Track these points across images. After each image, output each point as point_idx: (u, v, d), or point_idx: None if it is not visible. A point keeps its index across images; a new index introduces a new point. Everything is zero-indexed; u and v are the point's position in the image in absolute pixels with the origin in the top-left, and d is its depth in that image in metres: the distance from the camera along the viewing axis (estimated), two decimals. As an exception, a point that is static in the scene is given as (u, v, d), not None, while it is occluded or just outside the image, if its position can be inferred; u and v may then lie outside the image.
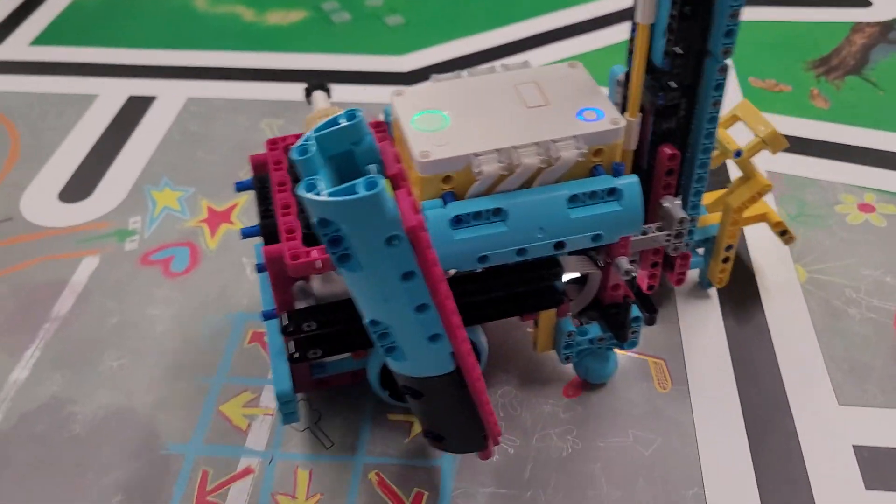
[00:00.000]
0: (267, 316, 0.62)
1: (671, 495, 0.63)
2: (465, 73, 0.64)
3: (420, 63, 1.14)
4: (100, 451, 0.67)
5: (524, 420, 0.68)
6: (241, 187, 0.66)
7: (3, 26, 1.26)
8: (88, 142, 1.01)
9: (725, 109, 0.74)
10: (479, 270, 0.61)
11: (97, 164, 0.98)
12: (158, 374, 0.73)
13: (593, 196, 0.57)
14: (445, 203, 0.56)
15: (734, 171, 0.92)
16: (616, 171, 0.58)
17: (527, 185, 0.57)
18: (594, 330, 0.67)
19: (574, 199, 0.57)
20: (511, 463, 0.65)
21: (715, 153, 0.71)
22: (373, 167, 0.47)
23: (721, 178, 0.91)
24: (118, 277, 0.82)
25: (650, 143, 0.65)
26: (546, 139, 0.56)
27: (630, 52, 0.62)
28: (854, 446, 0.66)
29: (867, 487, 0.63)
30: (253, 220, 0.87)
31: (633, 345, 0.68)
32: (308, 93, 0.70)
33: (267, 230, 0.61)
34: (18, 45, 1.21)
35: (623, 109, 0.63)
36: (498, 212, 0.56)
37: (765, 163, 0.93)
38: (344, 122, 0.46)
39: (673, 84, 0.62)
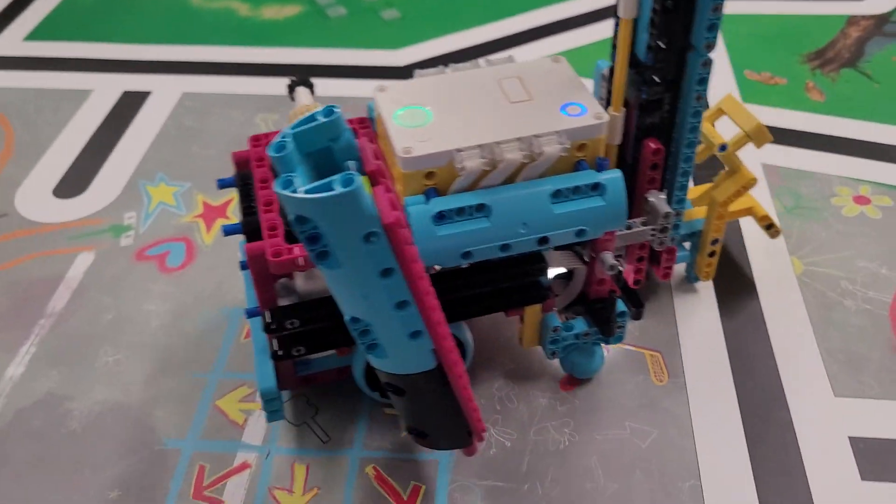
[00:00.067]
0: (251, 313, 0.62)
1: (668, 487, 0.63)
2: (448, 68, 0.64)
3: (416, 57, 1.14)
4: (96, 447, 0.67)
5: (521, 413, 0.68)
6: (223, 184, 0.66)
7: (-4, 22, 1.26)
8: (83, 137, 1.01)
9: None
10: (464, 266, 0.60)
11: (92, 160, 0.97)
12: (155, 369, 0.73)
13: (577, 191, 0.57)
14: (428, 199, 0.56)
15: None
16: (600, 166, 0.58)
17: (510, 180, 0.57)
18: (580, 325, 0.67)
19: (557, 195, 0.57)
20: (508, 456, 0.65)
21: (700, 147, 0.71)
22: (351, 164, 0.47)
23: (711, 172, 0.91)
24: (114, 273, 0.82)
25: (634, 137, 0.65)
26: (529, 134, 0.56)
27: (613, 47, 0.62)
28: (850, 437, 0.66)
29: (863, 478, 0.63)
30: (248, 215, 0.87)
31: (619, 339, 0.68)
32: (291, 89, 0.70)
33: (249, 227, 0.61)
34: (13, 41, 1.21)
35: (608, 104, 0.63)
36: (481, 207, 0.56)
37: (760, 156, 0.93)
38: (321, 119, 0.45)
39: (656, 78, 0.61)
